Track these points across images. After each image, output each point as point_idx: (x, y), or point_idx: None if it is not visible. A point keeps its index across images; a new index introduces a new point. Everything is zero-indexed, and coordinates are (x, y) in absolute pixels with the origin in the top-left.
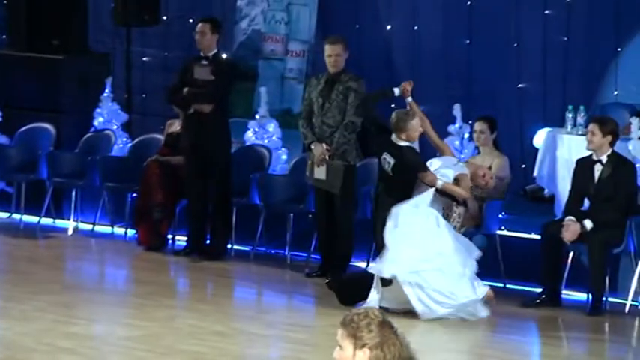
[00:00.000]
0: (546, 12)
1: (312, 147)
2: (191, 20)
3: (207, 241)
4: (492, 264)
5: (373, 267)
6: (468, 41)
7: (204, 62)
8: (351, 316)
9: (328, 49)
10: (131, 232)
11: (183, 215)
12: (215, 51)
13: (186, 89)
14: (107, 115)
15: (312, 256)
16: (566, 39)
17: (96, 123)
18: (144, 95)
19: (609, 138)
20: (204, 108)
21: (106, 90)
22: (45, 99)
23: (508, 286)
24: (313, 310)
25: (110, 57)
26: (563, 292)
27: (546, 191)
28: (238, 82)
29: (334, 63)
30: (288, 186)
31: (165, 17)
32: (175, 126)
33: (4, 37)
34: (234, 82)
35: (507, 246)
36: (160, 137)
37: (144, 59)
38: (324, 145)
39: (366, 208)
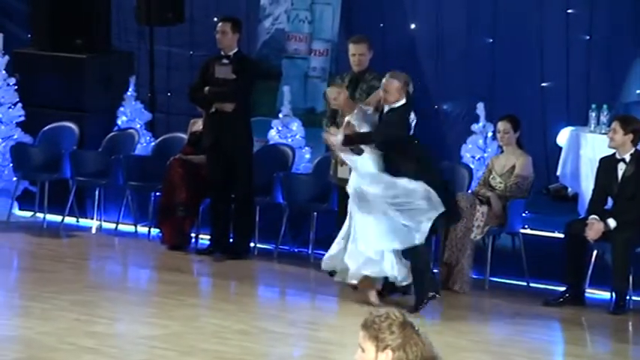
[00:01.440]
0: (569, 11)
1: None
2: (215, 19)
3: (231, 240)
4: (516, 263)
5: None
6: (491, 40)
7: (225, 61)
8: (372, 318)
9: (352, 48)
10: (154, 230)
11: (207, 214)
12: (236, 50)
13: (207, 88)
14: (130, 114)
15: None
16: (588, 37)
17: (119, 122)
18: (169, 94)
19: (631, 136)
20: (225, 107)
21: (130, 89)
22: (68, 98)
23: (531, 284)
24: (337, 309)
25: (134, 56)
26: (587, 290)
27: (570, 190)
28: (261, 81)
29: (358, 62)
30: (312, 185)
31: (189, 16)
32: (198, 125)
33: (27, 35)
34: (256, 81)
35: (531, 245)
36: (184, 136)
37: (168, 58)
38: None
39: None
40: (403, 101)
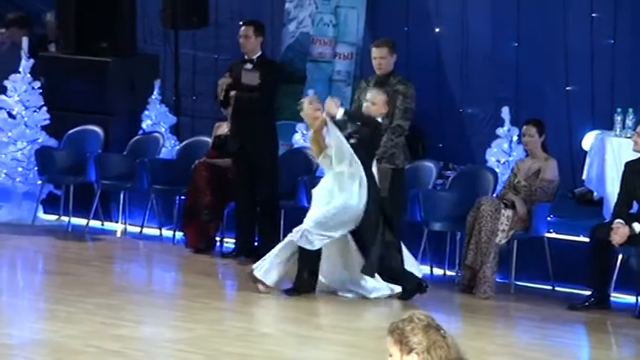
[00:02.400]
0: (593, 14)
1: None
2: (240, 23)
3: (255, 244)
4: (541, 266)
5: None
6: (516, 44)
7: (249, 66)
8: (396, 322)
9: (374, 51)
10: (179, 234)
11: (231, 217)
12: (259, 53)
13: (233, 93)
14: (155, 118)
15: None
16: (613, 41)
17: (144, 125)
18: (194, 98)
19: None
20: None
21: (155, 92)
22: (93, 101)
23: (557, 288)
24: (363, 312)
25: (159, 59)
26: (612, 294)
27: (595, 194)
28: (286, 85)
29: (379, 65)
30: None
31: (214, 19)
32: (223, 128)
33: (52, 39)
34: (280, 85)
35: (556, 248)
36: (208, 139)
37: (193, 62)
38: None
39: (415, 210)
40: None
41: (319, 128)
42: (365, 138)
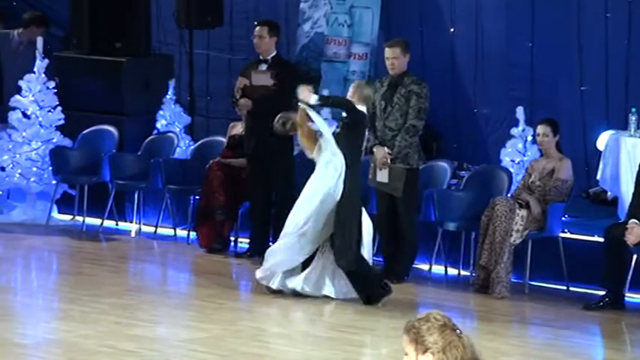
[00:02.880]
0: (608, 14)
1: (374, 150)
2: (255, 23)
3: (270, 244)
4: (555, 266)
5: None
6: (530, 44)
7: (263, 67)
8: (413, 321)
9: (387, 51)
10: (193, 234)
11: (246, 217)
12: (274, 53)
13: (242, 101)
14: (170, 118)
15: (375, 258)
16: (627, 41)
17: (158, 125)
18: (208, 98)
19: None
20: (242, 105)
21: (169, 92)
22: (108, 101)
23: (571, 288)
24: (376, 312)
25: (173, 59)
26: (627, 294)
27: (609, 194)
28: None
29: (392, 66)
30: None
31: (229, 19)
32: (238, 128)
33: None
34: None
35: (570, 248)
36: (223, 139)
37: (207, 61)
38: (385, 149)
39: (429, 211)
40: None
41: (303, 121)
42: (348, 125)
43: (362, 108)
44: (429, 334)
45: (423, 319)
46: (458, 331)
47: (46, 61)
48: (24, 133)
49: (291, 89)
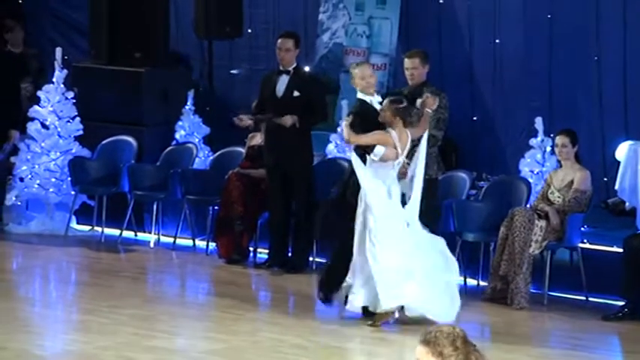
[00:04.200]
0: (626, 24)
1: None
2: (279, 35)
3: (289, 254)
4: (574, 277)
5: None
6: (549, 54)
7: (285, 77)
8: (433, 333)
9: (406, 62)
10: (212, 244)
11: (265, 228)
12: (295, 64)
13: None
14: (189, 128)
15: None
16: None
17: (177, 136)
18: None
19: None
20: (286, 121)
21: (188, 103)
22: (126, 112)
23: (590, 299)
24: (394, 324)
25: (192, 69)
26: None
27: (628, 204)
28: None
29: (411, 76)
30: None
31: (248, 30)
32: (257, 139)
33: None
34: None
35: (589, 259)
36: (242, 150)
37: (227, 72)
38: (405, 159)
39: (449, 221)
40: None
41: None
42: None
43: None
44: (446, 347)
45: (440, 332)
46: (475, 348)
47: (65, 71)
48: (43, 144)
49: (319, 99)
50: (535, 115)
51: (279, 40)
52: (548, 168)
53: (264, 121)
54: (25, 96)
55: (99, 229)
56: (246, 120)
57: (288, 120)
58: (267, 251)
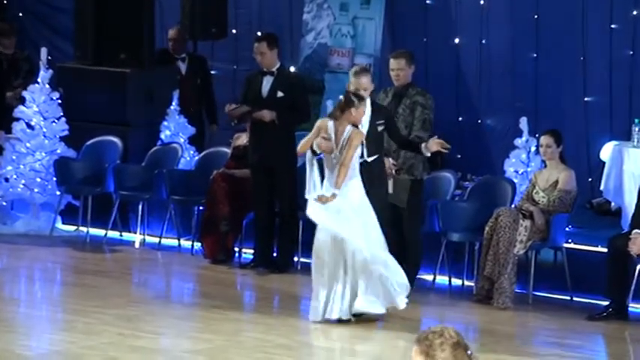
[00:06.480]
0: (612, 26)
1: None
2: (259, 33)
3: (274, 255)
4: (559, 277)
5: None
6: (534, 55)
7: (269, 78)
8: (427, 334)
9: (392, 62)
10: (197, 245)
11: (250, 228)
12: (278, 65)
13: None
14: (174, 129)
15: None
16: (632, 53)
17: (163, 136)
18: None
19: None
20: (264, 116)
21: (173, 103)
22: (112, 112)
23: (575, 299)
24: (379, 323)
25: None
26: (630, 305)
27: (613, 204)
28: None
29: (397, 77)
30: None
31: (233, 31)
32: (242, 139)
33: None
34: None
35: (574, 259)
36: (227, 150)
37: (212, 72)
38: (390, 160)
39: (434, 221)
40: None
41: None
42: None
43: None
44: (441, 349)
45: (437, 333)
46: (469, 352)
47: (50, 71)
48: (28, 144)
49: (302, 100)
50: (520, 116)
51: (254, 45)
52: (532, 168)
53: (244, 113)
54: (14, 98)
55: (84, 229)
56: (236, 108)
57: (266, 114)
58: (252, 251)
